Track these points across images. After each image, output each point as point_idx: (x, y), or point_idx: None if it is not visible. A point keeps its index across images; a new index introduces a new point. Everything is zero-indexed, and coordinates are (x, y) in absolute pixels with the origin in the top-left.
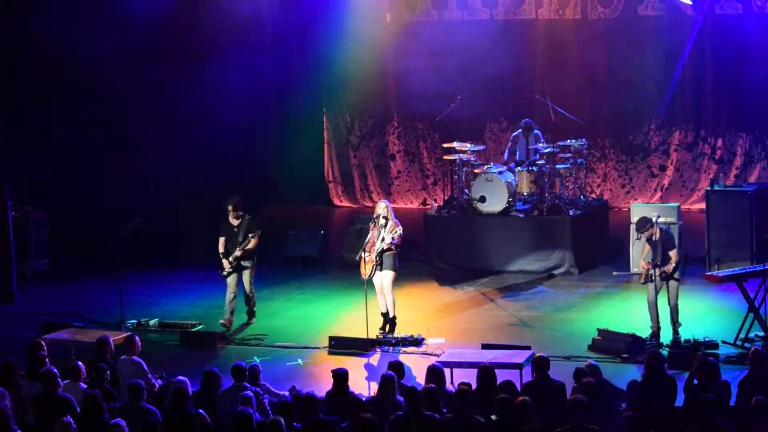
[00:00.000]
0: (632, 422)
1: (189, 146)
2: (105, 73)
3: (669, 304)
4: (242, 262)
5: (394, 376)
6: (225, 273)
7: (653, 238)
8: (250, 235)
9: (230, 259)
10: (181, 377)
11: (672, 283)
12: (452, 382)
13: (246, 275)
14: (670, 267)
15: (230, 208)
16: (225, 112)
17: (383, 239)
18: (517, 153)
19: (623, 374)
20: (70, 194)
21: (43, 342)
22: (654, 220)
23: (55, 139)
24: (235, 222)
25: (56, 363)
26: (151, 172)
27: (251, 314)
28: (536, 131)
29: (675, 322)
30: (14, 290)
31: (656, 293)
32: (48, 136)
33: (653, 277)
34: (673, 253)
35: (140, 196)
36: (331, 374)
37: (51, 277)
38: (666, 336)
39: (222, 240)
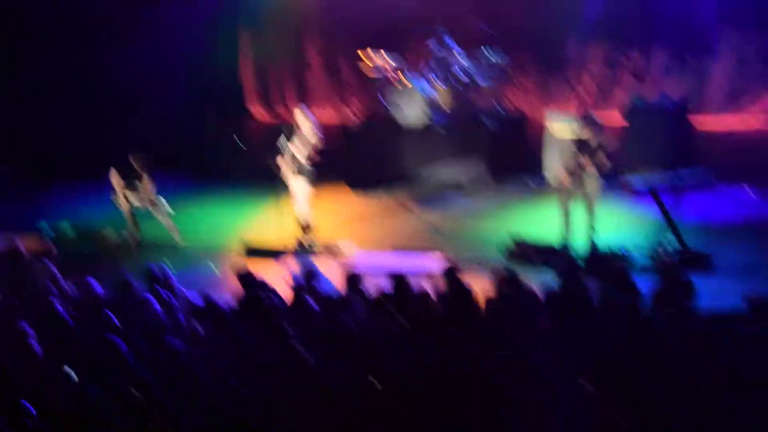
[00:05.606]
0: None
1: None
2: None
3: (587, 207)
4: None
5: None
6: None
7: (591, 140)
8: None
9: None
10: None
11: (591, 187)
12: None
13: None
14: (603, 162)
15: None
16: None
17: (300, 148)
18: (433, 64)
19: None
20: None
21: None
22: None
23: None
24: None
25: None
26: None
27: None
28: (447, 40)
29: (591, 228)
30: None
31: (570, 201)
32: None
33: (574, 181)
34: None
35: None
36: (237, 278)
37: None
38: (579, 245)
39: None
